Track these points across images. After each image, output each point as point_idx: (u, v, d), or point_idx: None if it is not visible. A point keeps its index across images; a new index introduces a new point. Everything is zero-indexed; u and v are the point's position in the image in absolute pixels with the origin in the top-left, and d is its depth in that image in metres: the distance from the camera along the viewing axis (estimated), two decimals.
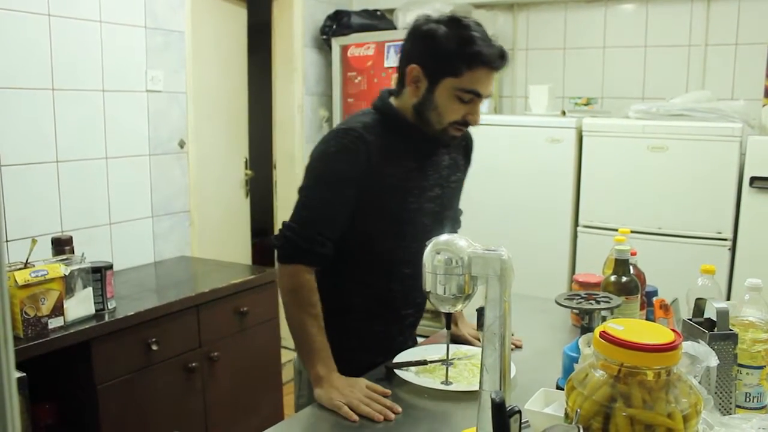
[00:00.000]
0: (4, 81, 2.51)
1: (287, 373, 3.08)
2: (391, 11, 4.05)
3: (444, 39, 1.58)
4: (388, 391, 1.57)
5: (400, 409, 1.49)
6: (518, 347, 1.89)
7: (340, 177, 1.62)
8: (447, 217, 1.82)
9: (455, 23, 1.60)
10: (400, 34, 3.85)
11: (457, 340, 1.90)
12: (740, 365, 1.36)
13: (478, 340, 1.90)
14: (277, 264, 1.68)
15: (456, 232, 1.96)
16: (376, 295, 1.77)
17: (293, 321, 1.65)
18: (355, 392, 1.53)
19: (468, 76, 1.57)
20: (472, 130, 1.83)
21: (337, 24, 4.10)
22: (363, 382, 1.58)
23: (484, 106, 3.71)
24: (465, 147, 1.91)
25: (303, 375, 1.79)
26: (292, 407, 1.92)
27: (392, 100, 1.72)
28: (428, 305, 1.58)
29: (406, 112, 1.68)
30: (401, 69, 1.67)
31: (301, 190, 1.66)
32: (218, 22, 3.80)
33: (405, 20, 3.88)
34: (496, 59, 1.59)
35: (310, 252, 1.62)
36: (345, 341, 1.71)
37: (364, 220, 1.66)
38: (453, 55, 1.57)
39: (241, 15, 4.00)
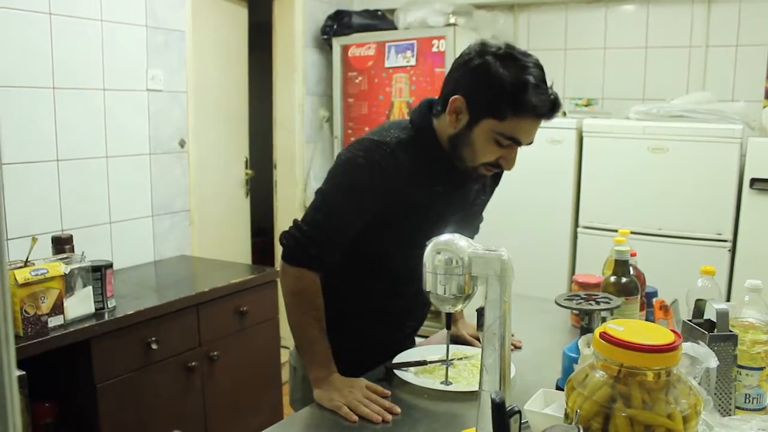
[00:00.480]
0: (4, 79, 2.51)
1: (287, 373, 3.07)
2: (392, 11, 4.05)
3: (496, 78, 1.47)
4: (388, 392, 1.57)
5: (398, 410, 1.49)
6: (518, 348, 1.89)
7: (361, 189, 1.56)
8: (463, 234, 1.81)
9: (512, 63, 1.49)
10: (401, 34, 3.87)
11: (456, 340, 1.90)
12: (740, 366, 1.36)
13: (478, 340, 1.90)
14: (280, 262, 1.64)
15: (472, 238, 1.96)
16: (378, 305, 1.76)
17: (295, 322, 1.64)
18: (355, 393, 1.53)
19: (511, 122, 1.49)
20: None
21: (338, 24, 4.10)
22: (363, 382, 1.58)
23: None
24: (497, 174, 1.82)
25: (297, 371, 1.80)
26: None
27: (432, 118, 1.64)
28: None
29: (441, 136, 1.61)
30: (446, 94, 1.57)
31: (319, 193, 1.62)
32: (219, 22, 3.80)
33: (406, 20, 3.88)
34: (546, 111, 1.51)
35: (319, 258, 1.59)
36: (341, 342, 1.69)
37: (376, 236, 1.62)
38: (501, 98, 1.47)
39: (241, 14, 4.00)
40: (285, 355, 2.85)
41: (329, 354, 1.62)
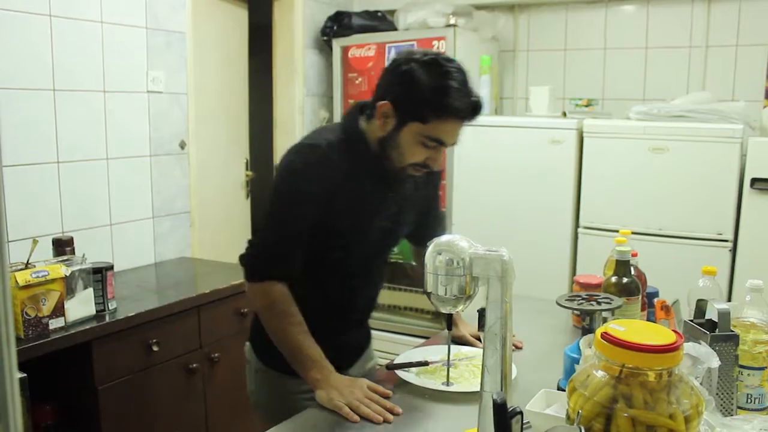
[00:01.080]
0: (5, 81, 2.51)
1: None
2: (392, 12, 4.05)
3: (419, 84, 1.55)
4: (389, 392, 1.57)
5: (400, 411, 1.50)
6: (518, 348, 1.89)
7: (303, 195, 1.62)
8: (401, 231, 1.84)
9: (435, 69, 1.56)
10: (401, 35, 3.87)
11: (456, 341, 1.90)
12: (741, 366, 1.36)
13: (478, 340, 1.90)
14: (245, 284, 1.68)
15: (437, 232, 1.98)
16: (324, 298, 1.76)
17: (277, 334, 1.66)
18: (356, 392, 1.53)
19: (434, 125, 1.56)
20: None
21: (338, 25, 4.10)
22: (364, 382, 1.58)
23: (486, 108, 3.73)
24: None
25: (251, 365, 1.84)
26: None
27: (362, 121, 1.70)
28: (428, 306, 1.58)
29: (371, 139, 1.67)
30: (375, 99, 1.64)
31: (270, 207, 1.66)
32: (219, 23, 3.80)
33: (406, 21, 3.88)
34: (468, 113, 1.58)
35: (279, 269, 1.63)
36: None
37: (316, 235, 1.66)
38: (424, 103, 1.55)
39: (241, 16, 4.00)
40: None
41: (321, 354, 1.62)
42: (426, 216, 1.95)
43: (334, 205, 1.63)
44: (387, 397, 1.55)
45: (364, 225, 1.69)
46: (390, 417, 1.47)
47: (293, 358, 1.64)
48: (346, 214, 1.65)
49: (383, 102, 1.60)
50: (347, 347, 1.87)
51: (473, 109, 1.59)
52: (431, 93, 1.54)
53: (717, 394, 1.32)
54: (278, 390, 1.79)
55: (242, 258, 1.67)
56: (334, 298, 1.77)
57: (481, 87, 3.77)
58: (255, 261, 1.65)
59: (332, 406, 1.51)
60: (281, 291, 1.63)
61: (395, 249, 1.97)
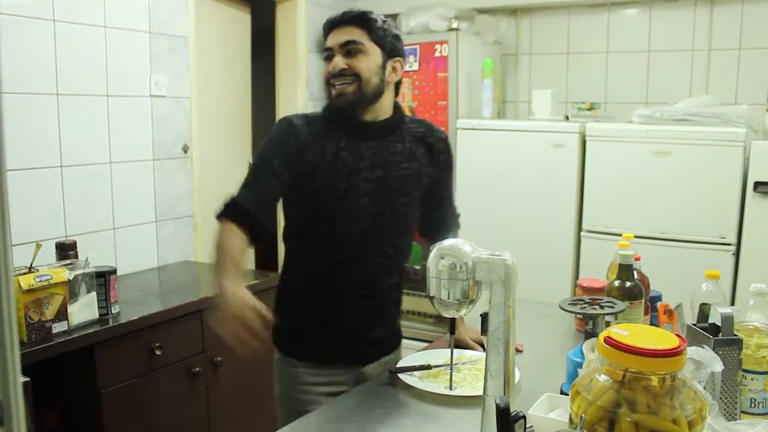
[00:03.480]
0: (9, 86, 2.51)
1: None
2: (395, 16, 4.05)
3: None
4: (269, 317, 1.59)
5: (265, 341, 1.57)
6: (519, 351, 1.88)
7: (269, 155, 1.78)
8: (401, 203, 1.85)
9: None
10: (403, 40, 3.86)
11: (458, 345, 1.89)
12: (745, 370, 1.36)
13: (480, 344, 1.90)
14: (216, 227, 1.76)
15: (449, 230, 2.02)
16: (321, 274, 1.84)
17: (217, 244, 1.73)
18: (233, 324, 1.55)
19: (326, 43, 1.82)
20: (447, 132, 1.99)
21: None
22: (251, 308, 1.58)
23: (487, 110, 3.73)
24: (429, 144, 1.94)
25: (274, 356, 1.91)
26: None
27: None
28: (431, 310, 1.58)
29: None
30: None
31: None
32: (222, 28, 3.81)
33: (408, 25, 3.88)
34: (337, 17, 1.81)
35: (244, 213, 1.71)
36: (301, 319, 1.86)
37: (297, 203, 1.82)
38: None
39: (244, 20, 4.01)
40: None
41: (238, 266, 1.67)
42: (437, 207, 2.01)
43: (304, 167, 1.75)
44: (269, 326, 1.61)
45: (340, 183, 1.76)
46: (247, 348, 1.53)
47: (217, 269, 1.69)
48: (317, 172, 1.76)
49: None
50: (367, 335, 1.89)
51: (342, 13, 1.81)
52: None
53: (720, 398, 1.31)
54: (292, 380, 1.84)
55: (217, 210, 1.79)
56: (330, 274, 1.83)
57: (484, 90, 3.78)
58: (223, 207, 1.76)
59: (217, 331, 1.57)
60: (237, 234, 1.70)
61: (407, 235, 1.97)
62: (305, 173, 1.76)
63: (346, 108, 1.79)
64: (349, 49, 1.78)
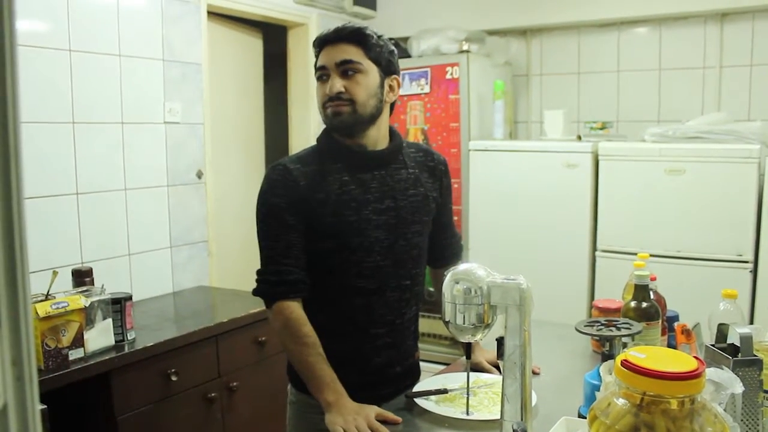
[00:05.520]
0: (26, 116, 2.55)
1: None
2: (405, 39, 4.08)
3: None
4: (398, 419, 1.56)
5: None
6: (536, 374, 1.86)
7: (277, 209, 1.70)
8: (414, 231, 1.80)
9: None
10: (414, 62, 3.90)
11: (474, 368, 1.87)
12: (766, 392, 1.34)
13: (497, 367, 1.88)
14: (268, 313, 1.73)
15: (453, 256, 1.99)
16: (338, 312, 1.75)
17: (293, 356, 1.69)
18: (359, 420, 1.51)
19: (319, 60, 1.74)
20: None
21: None
22: (372, 410, 1.56)
23: (499, 131, 3.74)
24: (431, 168, 1.89)
25: (288, 398, 1.86)
26: None
27: None
28: (447, 332, 1.57)
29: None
30: None
31: (257, 235, 1.74)
32: (235, 54, 3.85)
33: (419, 48, 3.91)
34: (330, 34, 1.72)
35: (282, 283, 1.67)
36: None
37: (313, 243, 1.72)
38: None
39: (257, 46, 4.06)
40: None
41: (333, 377, 1.62)
42: (443, 232, 1.95)
43: (312, 207, 1.69)
44: (396, 424, 1.54)
45: (350, 216, 1.70)
46: None
47: (307, 379, 1.64)
48: (326, 209, 1.69)
49: None
50: (386, 373, 1.80)
51: (336, 30, 1.72)
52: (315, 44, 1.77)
53: (742, 420, 1.29)
54: (309, 423, 1.76)
55: (254, 291, 1.73)
56: (348, 312, 1.75)
57: (496, 112, 3.79)
58: (261, 287, 1.71)
59: (332, 430, 1.51)
60: (293, 310, 1.66)
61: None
62: (315, 214, 1.69)
63: (344, 129, 1.72)
64: (346, 69, 1.69)
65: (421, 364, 2.03)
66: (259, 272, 1.72)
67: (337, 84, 1.69)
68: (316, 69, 1.74)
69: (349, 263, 1.72)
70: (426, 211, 1.85)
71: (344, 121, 1.70)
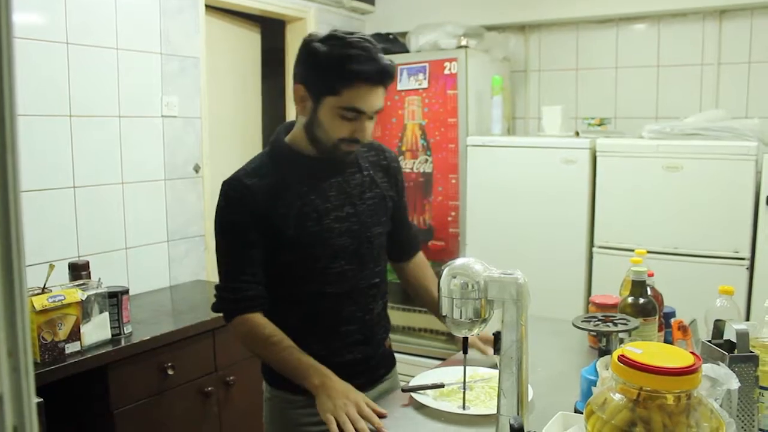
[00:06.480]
0: (23, 108, 2.54)
1: None
2: (404, 35, 4.08)
3: (323, 58, 1.59)
4: (384, 412, 1.56)
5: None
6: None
7: (235, 226, 1.67)
8: (376, 233, 1.80)
9: (337, 41, 1.61)
10: (413, 57, 3.89)
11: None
12: (762, 388, 1.34)
13: (488, 344, 1.89)
14: (236, 328, 1.72)
15: (413, 250, 2.00)
16: (308, 315, 1.74)
17: (265, 359, 1.70)
18: (349, 407, 1.51)
19: (347, 95, 1.58)
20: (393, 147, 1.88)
21: None
22: (360, 397, 1.56)
23: (497, 127, 3.74)
24: (385, 167, 1.87)
25: (264, 394, 1.85)
26: None
27: (285, 135, 1.76)
28: (443, 327, 1.58)
29: (298, 138, 1.72)
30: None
31: (216, 251, 1.72)
32: (232, 48, 3.84)
33: (417, 43, 3.90)
34: (374, 75, 1.59)
35: (241, 300, 1.67)
36: None
37: (277, 255, 1.69)
38: (331, 74, 1.58)
39: (254, 40, 4.05)
40: None
41: (311, 361, 1.62)
42: (402, 228, 1.94)
43: (272, 221, 1.65)
44: (382, 417, 1.54)
45: (312, 227, 1.67)
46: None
47: (288, 374, 1.64)
48: (287, 222, 1.66)
49: (297, 85, 1.65)
50: (359, 366, 1.79)
51: (380, 71, 1.60)
52: (335, 62, 1.57)
53: (737, 416, 1.30)
54: (287, 420, 1.76)
55: (213, 307, 1.73)
56: (318, 315, 1.74)
57: (494, 107, 3.78)
58: (220, 303, 1.71)
59: (324, 419, 1.50)
60: (250, 318, 1.67)
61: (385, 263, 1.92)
62: (277, 228, 1.66)
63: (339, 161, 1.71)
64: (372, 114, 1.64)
65: (418, 359, 2.03)
66: (217, 287, 1.72)
67: (369, 133, 1.66)
68: (347, 107, 1.59)
69: (314, 272, 1.71)
70: (384, 211, 1.85)
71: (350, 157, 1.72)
